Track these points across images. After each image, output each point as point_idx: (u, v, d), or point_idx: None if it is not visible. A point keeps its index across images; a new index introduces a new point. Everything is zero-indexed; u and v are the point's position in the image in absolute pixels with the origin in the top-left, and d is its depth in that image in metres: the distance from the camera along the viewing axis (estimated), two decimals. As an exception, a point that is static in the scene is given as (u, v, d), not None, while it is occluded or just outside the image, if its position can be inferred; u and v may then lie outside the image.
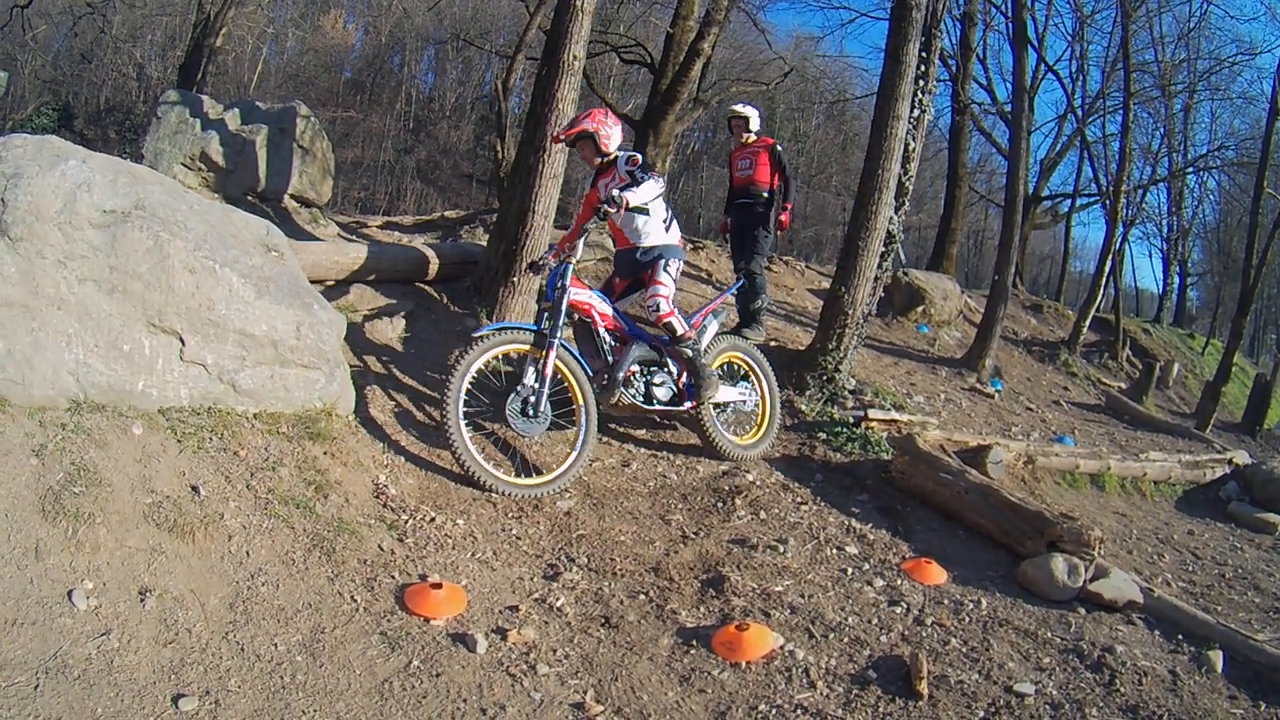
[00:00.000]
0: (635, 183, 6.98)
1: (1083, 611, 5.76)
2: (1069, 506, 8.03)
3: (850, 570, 6.15)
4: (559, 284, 6.93)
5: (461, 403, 6.43)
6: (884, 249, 9.64)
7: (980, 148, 31.96)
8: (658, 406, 7.45)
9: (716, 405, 7.75)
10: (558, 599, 5.25)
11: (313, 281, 6.60)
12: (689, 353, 7.38)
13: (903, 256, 10.60)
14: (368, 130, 40.65)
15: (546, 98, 8.70)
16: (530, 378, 6.72)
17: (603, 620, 5.12)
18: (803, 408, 9.02)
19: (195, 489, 5.05)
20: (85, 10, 21.56)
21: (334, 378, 6.25)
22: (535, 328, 6.87)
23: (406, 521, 5.71)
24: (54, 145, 5.62)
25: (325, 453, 5.90)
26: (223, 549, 4.84)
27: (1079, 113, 24.72)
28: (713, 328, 7.83)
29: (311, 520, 5.28)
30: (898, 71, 9.40)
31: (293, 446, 5.76)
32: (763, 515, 6.89)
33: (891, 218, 9.58)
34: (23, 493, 4.56)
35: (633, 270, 7.57)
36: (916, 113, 9.83)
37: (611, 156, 7.38)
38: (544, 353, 6.73)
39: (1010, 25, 21.37)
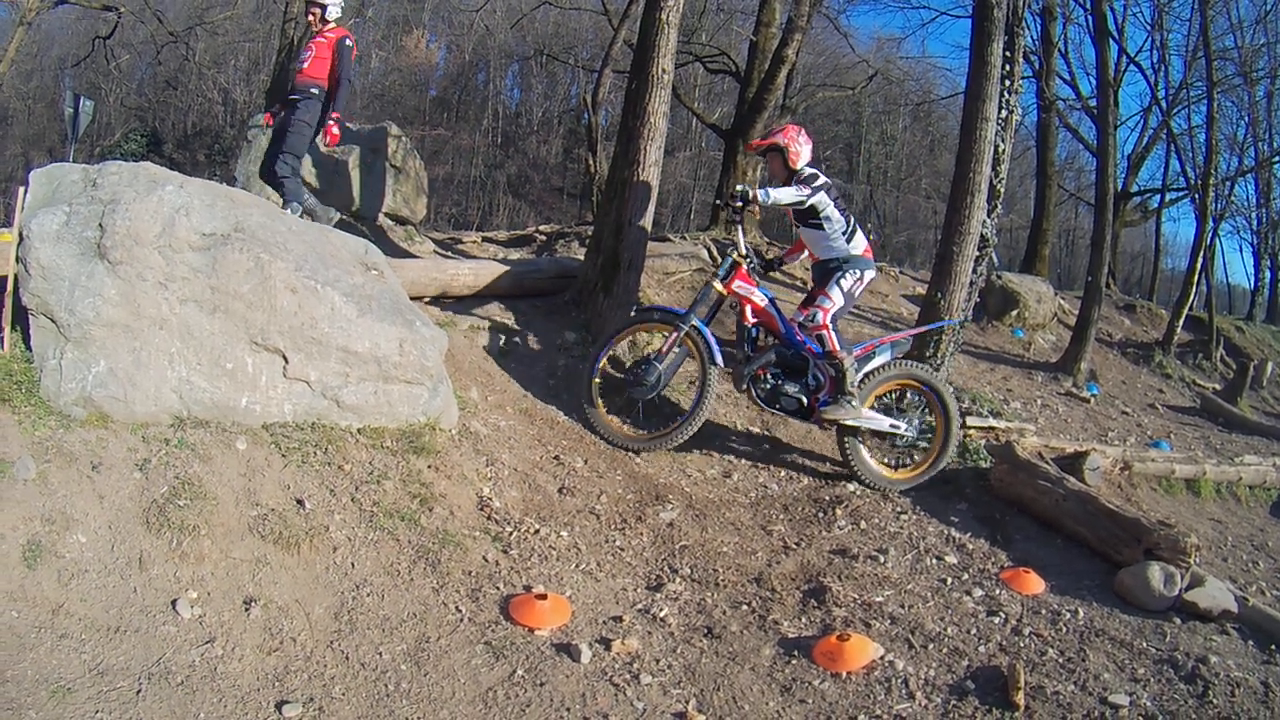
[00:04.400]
0: (782, 185, 7.43)
1: (1178, 621, 5.61)
2: (1165, 513, 7.81)
3: (949, 580, 6.08)
4: (716, 274, 7.72)
5: (598, 371, 7.73)
6: (978, 253, 9.47)
7: (1067, 144, 31.24)
8: (778, 411, 7.64)
9: (856, 431, 7.61)
10: (661, 609, 5.25)
11: (412, 298, 6.68)
12: (833, 370, 7.47)
13: (994, 259, 10.43)
14: (457, 147, 41.12)
15: (638, 112, 8.75)
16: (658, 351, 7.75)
17: (705, 630, 5.11)
18: (901, 416, 8.86)
19: (300, 502, 5.15)
20: (168, 39, 22.13)
21: (437, 393, 6.33)
22: (680, 311, 7.75)
23: (511, 533, 5.75)
24: (150, 171, 5.78)
25: (429, 466, 5.97)
26: (327, 560, 4.94)
27: (1163, 104, 23.95)
28: (883, 356, 7.77)
29: (416, 532, 5.35)
30: (983, 72, 9.26)
31: (397, 460, 5.83)
32: (863, 525, 6.85)
33: (985, 221, 9.42)
34: (126, 505, 4.70)
35: (822, 281, 7.68)
36: (1004, 113, 9.64)
37: (803, 174, 7.47)
38: (675, 332, 7.61)
39: (1090, 18, 20.80)
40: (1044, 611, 5.67)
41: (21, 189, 5.84)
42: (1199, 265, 19.03)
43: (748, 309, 7.66)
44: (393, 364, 5.94)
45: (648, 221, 8.82)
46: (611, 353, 8.08)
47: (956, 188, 9.46)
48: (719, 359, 7.59)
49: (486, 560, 5.38)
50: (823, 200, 7.42)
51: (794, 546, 6.39)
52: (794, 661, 4.86)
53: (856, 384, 7.49)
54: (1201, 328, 19.25)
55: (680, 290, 11.67)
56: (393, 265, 7.15)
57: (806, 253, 8.04)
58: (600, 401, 7.73)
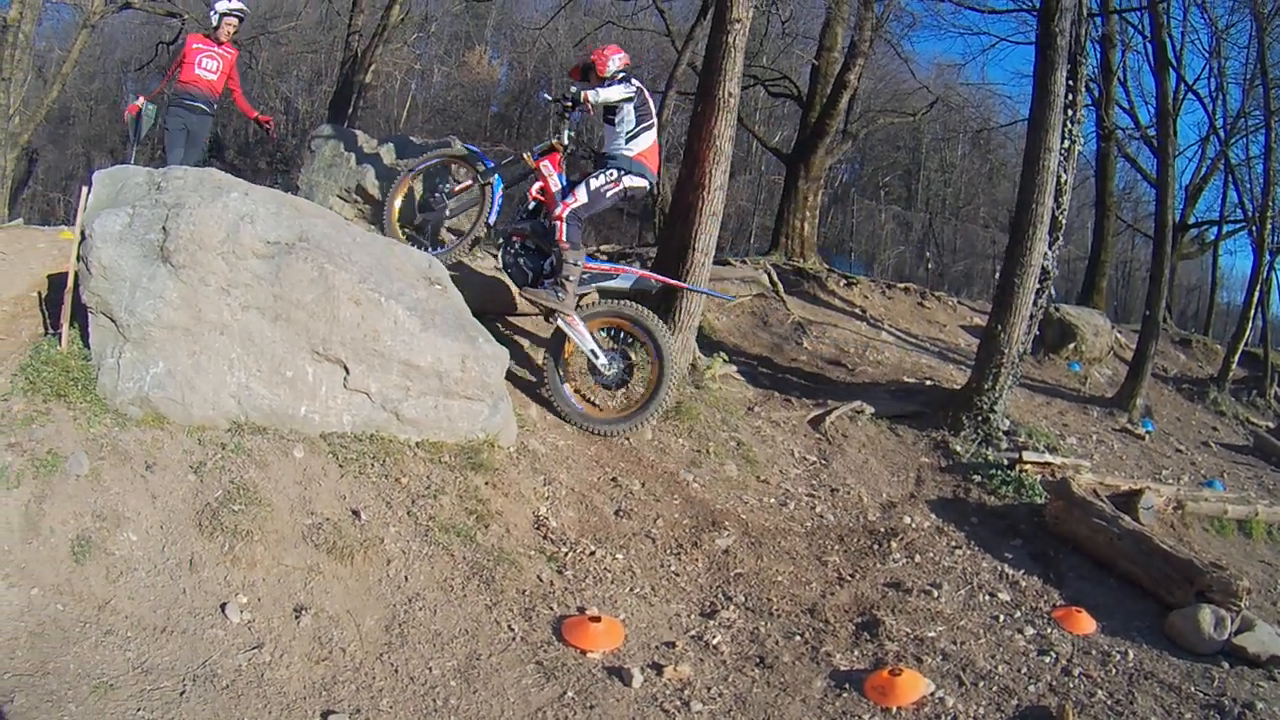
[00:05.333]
0: (605, 85, 7.64)
1: (1226, 666, 5.53)
2: (1216, 554, 7.68)
3: (1002, 617, 6.00)
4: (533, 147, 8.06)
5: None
6: (1039, 285, 9.38)
7: (1124, 174, 30.83)
8: (510, 276, 7.95)
9: (559, 354, 7.72)
10: (714, 636, 5.21)
11: (475, 314, 6.69)
12: (559, 261, 7.53)
13: (1052, 291, 10.30)
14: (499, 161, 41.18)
15: (704, 135, 8.68)
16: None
17: (758, 660, 5.06)
18: (957, 449, 8.84)
19: (356, 513, 5.16)
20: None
21: (497, 410, 6.32)
22: (490, 163, 8.22)
23: (566, 554, 5.72)
24: (215, 177, 5.85)
25: (487, 483, 5.96)
26: (381, 572, 4.94)
27: (1221, 134, 23.61)
28: (623, 282, 7.90)
29: (472, 549, 5.34)
30: (1046, 101, 9.19)
31: (455, 476, 5.83)
32: (917, 559, 6.77)
33: (1046, 253, 9.32)
34: (179, 507, 4.74)
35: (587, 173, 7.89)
36: (1066, 143, 9.55)
37: (616, 77, 7.76)
38: (476, 178, 8.18)
39: (1149, 45, 20.40)
40: (1094, 652, 5.61)
41: (84, 189, 5.91)
42: (1255, 299, 18.66)
43: (537, 186, 7.87)
44: (454, 379, 5.93)
45: (711, 245, 8.75)
46: (424, 170, 8.65)
47: (1018, 218, 9.39)
48: (493, 218, 8.05)
49: (541, 580, 5.36)
50: (625, 100, 7.57)
51: (848, 578, 6.33)
52: (845, 695, 4.81)
53: (575, 285, 7.53)
54: (1257, 364, 18.86)
55: (740, 314, 11.66)
56: (456, 281, 7.16)
57: None
58: (399, 223, 8.30)
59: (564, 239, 7.46)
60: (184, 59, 8.96)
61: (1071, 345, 15.67)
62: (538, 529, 5.90)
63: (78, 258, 5.51)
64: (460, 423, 6.10)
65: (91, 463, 4.78)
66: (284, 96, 35.90)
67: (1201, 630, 5.73)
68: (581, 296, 7.88)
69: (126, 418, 5.19)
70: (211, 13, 9.09)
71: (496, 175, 8.04)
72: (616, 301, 7.74)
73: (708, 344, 10.20)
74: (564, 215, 7.44)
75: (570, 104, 7.54)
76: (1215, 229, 27.57)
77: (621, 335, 7.89)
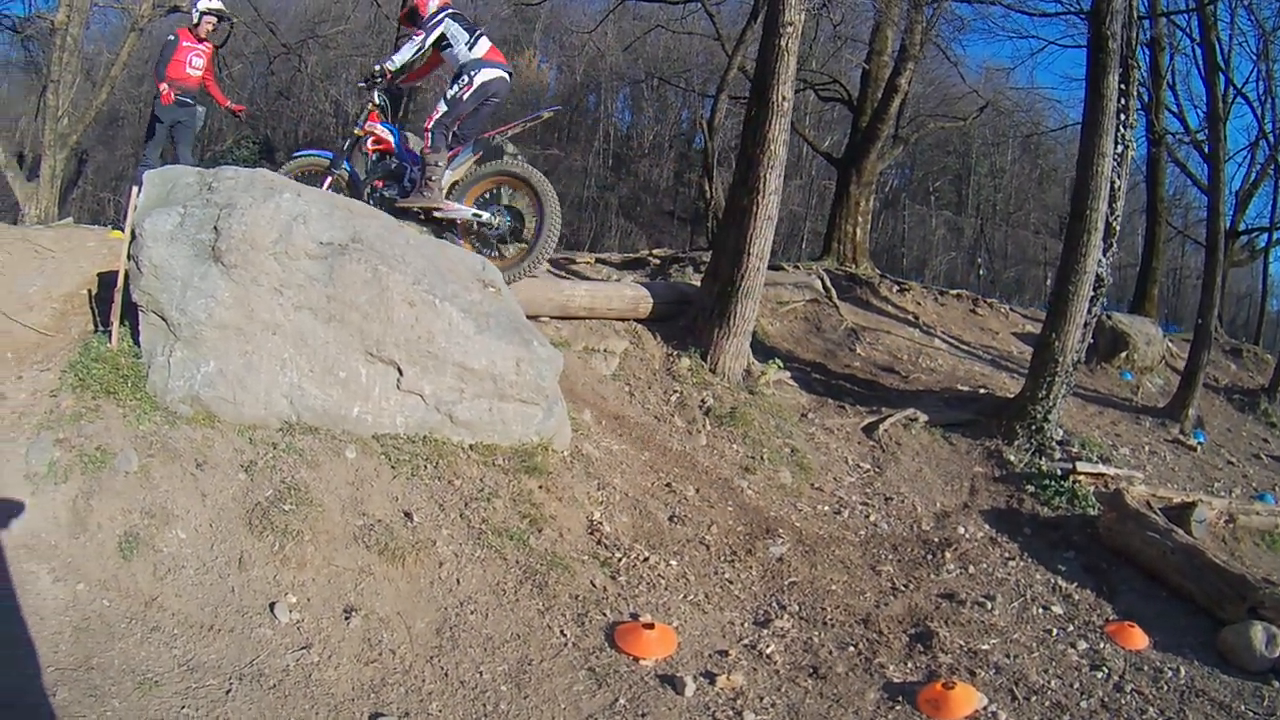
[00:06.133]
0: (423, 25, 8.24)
1: (1276, 684, 5.41)
2: (1267, 569, 7.53)
3: (1055, 631, 5.90)
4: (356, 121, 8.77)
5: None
6: (1093, 292, 9.24)
7: (1174, 180, 30.43)
8: (382, 208, 7.91)
9: (453, 227, 8.39)
10: (767, 646, 5.16)
11: (527, 317, 6.70)
12: (424, 165, 8.17)
13: (1103, 299, 10.19)
14: (569, 168, 41.09)
15: (758, 139, 8.70)
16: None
17: (811, 670, 5.00)
18: (1011, 458, 8.71)
19: (408, 515, 5.16)
20: (280, 51, 22.48)
21: (551, 413, 6.30)
22: (330, 155, 8.65)
23: (620, 559, 5.68)
24: (266, 178, 5.88)
25: (540, 487, 5.94)
26: (433, 575, 4.93)
27: (1270, 139, 23.25)
28: (465, 155, 8.41)
29: (524, 553, 5.32)
30: (1099, 106, 9.03)
31: (508, 479, 5.82)
32: (971, 570, 6.68)
33: (1100, 260, 9.19)
34: (229, 505, 4.77)
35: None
36: (1119, 148, 9.41)
37: (425, 22, 8.27)
38: (329, 174, 8.43)
39: (1198, 48, 20.07)
40: (1146, 668, 5.52)
41: (134, 188, 5.96)
42: (1307, 308, 18.36)
43: (370, 141, 8.53)
44: (509, 382, 5.93)
45: (765, 250, 8.76)
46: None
47: (1072, 225, 9.24)
48: (359, 186, 8.45)
49: (594, 585, 5.33)
50: (448, 27, 8.17)
51: (902, 589, 6.26)
52: (898, 707, 4.74)
53: (439, 182, 8.14)
54: (1307, 372, 18.59)
55: (793, 320, 11.60)
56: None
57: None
58: None
59: (429, 146, 8.09)
60: (175, 57, 9.42)
61: (1124, 354, 15.45)
62: (591, 534, 5.86)
63: (128, 256, 5.55)
64: (514, 426, 6.09)
65: (141, 460, 4.80)
66: (333, 99, 36.13)
67: (1253, 648, 5.63)
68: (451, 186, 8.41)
69: (176, 415, 5.22)
70: (193, 10, 9.50)
71: (345, 161, 8.56)
72: (483, 165, 8.44)
73: (762, 349, 10.14)
74: (430, 127, 8.07)
75: (377, 80, 8.35)
76: (1265, 236, 27.15)
77: (501, 192, 8.53)
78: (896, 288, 15.47)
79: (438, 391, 5.72)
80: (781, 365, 9.67)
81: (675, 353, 9.06)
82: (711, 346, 8.92)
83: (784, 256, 20.46)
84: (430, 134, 8.04)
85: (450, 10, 8.27)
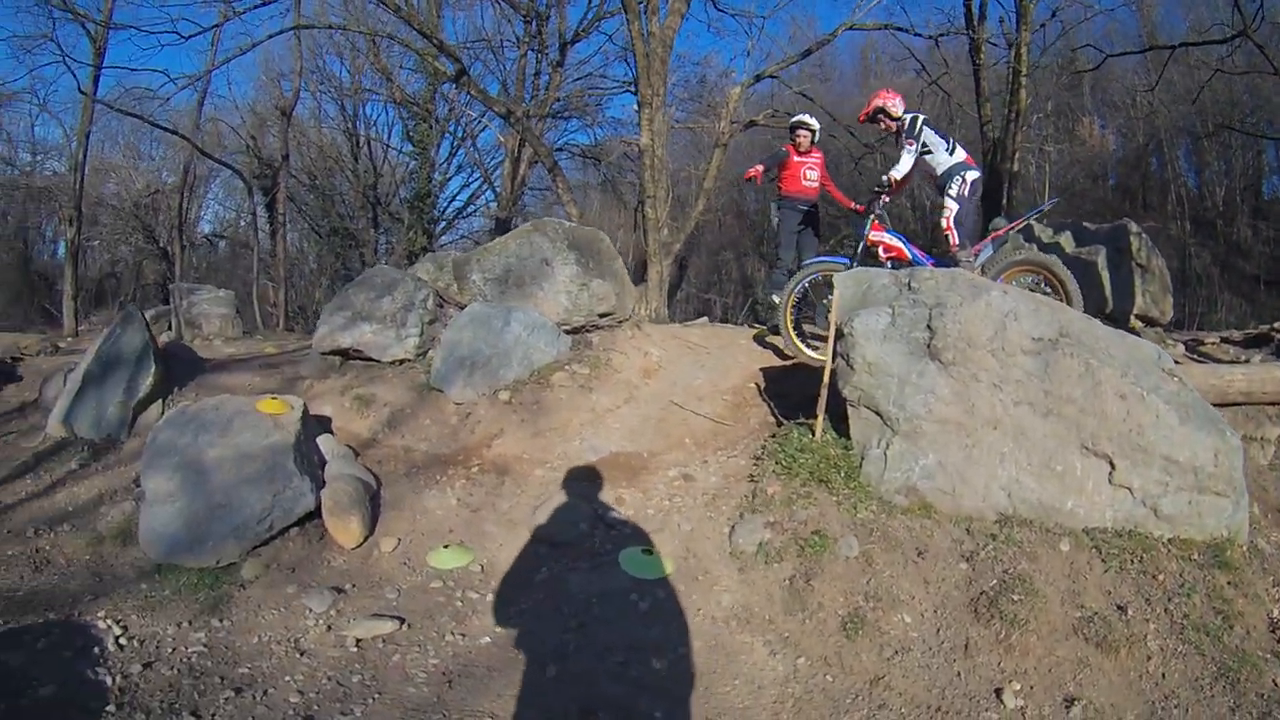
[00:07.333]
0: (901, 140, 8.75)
1: None
2: None
3: None
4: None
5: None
6: None
7: None
8: None
9: None
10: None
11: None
12: (954, 264, 8.20)
13: None
14: (1166, 236, 38.72)
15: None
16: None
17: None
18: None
19: (1121, 608, 5.18)
20: (864, 151, 23.35)
21: (1240, 506, 6.05)
22: (845, 260, 8.86)
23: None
24: (966, 278, 6.18)
25: (1229, 582, 5.72)
26: (1141, 668, 4.91)
27: None
28: (987, 251, 8.80)
29: (1218, 649, 5.16)
30: None
31: (1202, 574, 5.66)
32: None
33: None
34: (952, 593, 5.03)
35: (940, 194, 8.87)
36: None
37: (904, 123, 8.83)
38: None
39: None
40: None
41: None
42: None
43: (881, 250, 8.90)
44: (1207, 474, 5.78)
45: None
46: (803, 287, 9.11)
47: None
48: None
49: (1276, 685, 5.05)
50: (928, 135, 8.72)
51: None
52: None
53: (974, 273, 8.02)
54: None
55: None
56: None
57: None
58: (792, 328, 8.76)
59: (955, 244, 8.54)
60: (788, 172, 10.40)
61: None
62: (1272, 631, 5.53)
63: (834, 355, 6.07)
64: (1208, 519, 5.91)
65: (861, 546, 5.20)
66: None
67: None
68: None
69: (892, 505, 5.60)
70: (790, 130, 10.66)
71: (855, 264, 8.64)
72: (1021, 251, 9.15)
73: None
74: (950, 223, 8.59)
75: (886, 189, 8.81)
76: None
77: (1024, 280, 8.51)
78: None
79: (1145, 485, 5.68)
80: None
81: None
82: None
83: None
84: (954, 231, 8.57)
85: (924, 118, 8.85)
